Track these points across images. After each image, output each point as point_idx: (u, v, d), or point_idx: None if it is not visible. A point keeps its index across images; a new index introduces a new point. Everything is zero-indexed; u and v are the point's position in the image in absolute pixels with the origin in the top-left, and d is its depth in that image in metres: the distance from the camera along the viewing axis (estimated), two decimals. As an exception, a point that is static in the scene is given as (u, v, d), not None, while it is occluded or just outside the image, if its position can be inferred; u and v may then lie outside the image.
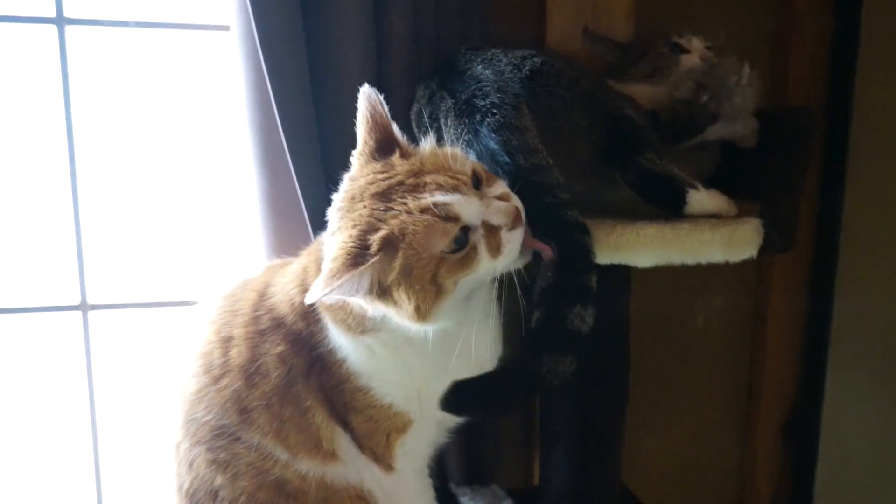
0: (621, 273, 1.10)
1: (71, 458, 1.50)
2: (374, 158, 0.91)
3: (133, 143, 1.43)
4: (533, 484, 1.59)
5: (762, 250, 0.99)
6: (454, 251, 0.84)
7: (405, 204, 0.84)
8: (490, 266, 0.86)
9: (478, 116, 0.97)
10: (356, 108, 0.94)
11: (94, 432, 1.45)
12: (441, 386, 0.87)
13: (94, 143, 1.39)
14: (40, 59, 1.34)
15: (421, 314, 0.85)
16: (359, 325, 0.94)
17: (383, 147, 0.92)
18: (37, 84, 1.36)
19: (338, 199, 0.92)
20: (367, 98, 0.92)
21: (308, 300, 0.83)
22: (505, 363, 0.95)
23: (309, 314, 0.97)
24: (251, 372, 0.97)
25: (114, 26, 1.36)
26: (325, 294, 0.81)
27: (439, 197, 0.83)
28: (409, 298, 0.84)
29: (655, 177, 1.00)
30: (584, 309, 0.87)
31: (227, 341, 1.00)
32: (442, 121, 1.05)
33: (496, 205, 0.85)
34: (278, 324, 0.99)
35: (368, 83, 1.18)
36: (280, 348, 0.97)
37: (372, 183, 0.88)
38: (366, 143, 0.93)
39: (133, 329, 1.48)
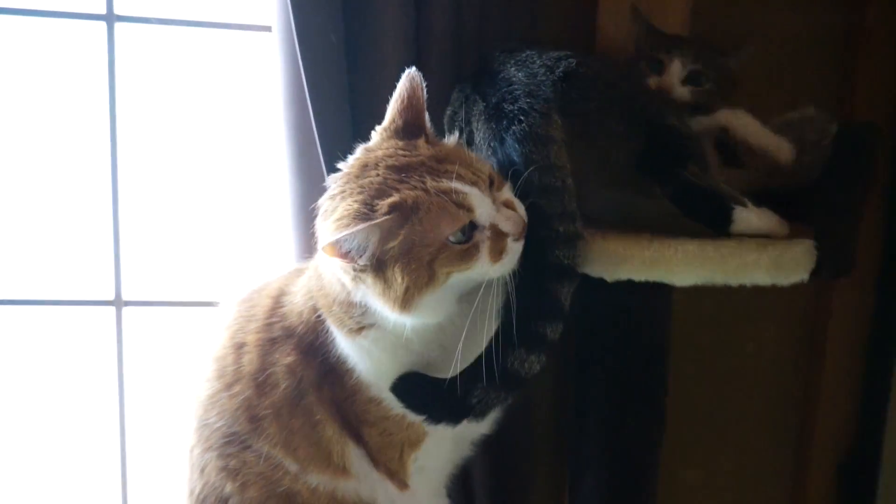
0: (661, 292, 1.03)
1: (98, 453, 1.50)
2: (398, 137, 0.90)
3: (174, 141, 1.44)
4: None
5: (814, 274, 0.91)
6: (458, 242, 0.83)
7: (423, 181, 0.83)
8: (485, 269, 0.85)
9: (504, 122, 0.93)
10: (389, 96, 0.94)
11: (122, 429, 1.45)
12: None
13: (136, 139, 1.40)
14: (86, 55, 1.36)
15: (406, 300, 0.83)
16: (351, 320, 0.91)
17: (410, 130, 0.90)
18: (82, 80, 1.38)
19: (346, 165, 0.90)
20: (409, 79, 0.92)
21: (321, 243, 0.82)
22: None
23: (318, 324, 0.94)
24: (261, 381, 0.95)
25: (161, 24, 1.37)
26: (336, 238, 0.79)
27: (458, 185, 0.83)
28: (401, 278, 0.82)
29: (699, 191, 0.94)
30: (528, 354, 0.87)
31: (239, 347, 0.99)
32: (474, 124, 1.01)
33: (506, 212, 0.85)
34: (289, 333, 0.96)
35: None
36: (290, 359, 0.95)
37: (391, 156, 0.87)
38: (394, 120, 0.92)
39: (168, 327, 1.48)
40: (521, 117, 0.92)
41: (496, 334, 0.85)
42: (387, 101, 1.09)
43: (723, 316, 1.54)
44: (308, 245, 1.29)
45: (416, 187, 0.83)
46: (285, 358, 0.95)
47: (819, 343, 1.59)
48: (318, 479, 0.97)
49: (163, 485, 1.48)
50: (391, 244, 0.81)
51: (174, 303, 1.47)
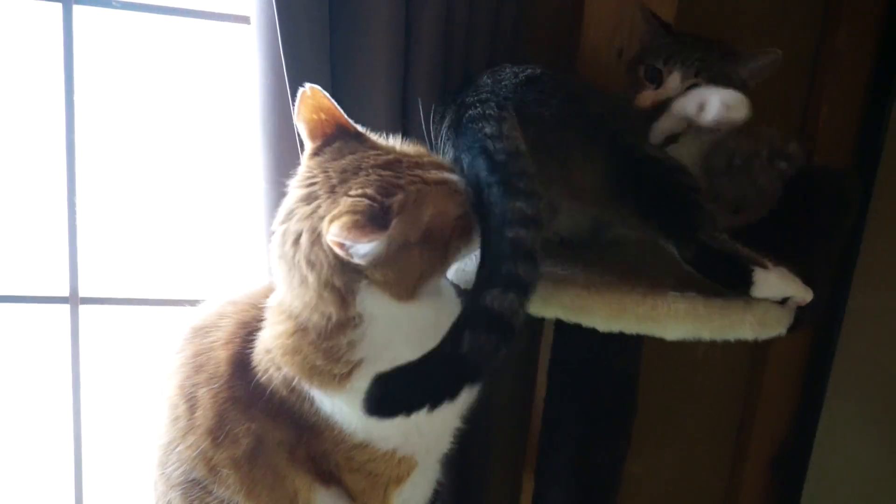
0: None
1: (52, 453, 1.46)
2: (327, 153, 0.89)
3: (138, 134, 1.37)
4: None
5: (790, 329, 0.95)
6: (462, 217, 0.88)
7: (417, 175, 0.85)
8: (477, 236, 0.89)
9: (463, 111, 0.97)
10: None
11: (78, 431, 1.41)
12: (437, 411, 0.82)
13: (97, 131, 1.32)
14: (44, 41, 1.26)
15: (417, 284, 0.86)
16: (339, 364, 0.87)
17: (335, 137, 0.91)
18: (40, 67, 1.28)
19: (314, 176, 0.87)
20: (305, 100, 0.90)
21: (334, 238, 0.77)
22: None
23: (291, 391, 0.90)
24: (219, 436, 0.92)
25: (124, 9, 1.27)
26: (347, 246, 0.78)
27: (448, 175, 0.88)
28: (419, 263, 0.85)
29: (718, 255, 0.90)
30: (504, 293, 0.81)
31: (191, 399, 0.94)
32: (444, 131, 1.02)
33: None
34: (254, 397, 0.91)
35: (395, 98, 1.15)
36: (254, 424, 0.91)
37: (365, 158, 0.86)
38: (315, 142, 0.91)
39: (128, 327, 1.43)
40: (478, 104, 0.96)
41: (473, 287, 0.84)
42: (374, 96, 1.11)
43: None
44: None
45: (414, 181, 0.84)
46: (249, 422, 0.91)
47: (763, 348, 1.68)
48: None
49: (118, 485, 1.46)
50: (410, 236, 0.83)
51: (133, 301, 1.42)
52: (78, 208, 1.31)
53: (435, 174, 0.87)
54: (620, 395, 1.17)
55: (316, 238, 0.82)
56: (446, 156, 1.00)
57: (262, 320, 0.95)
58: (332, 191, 0.84)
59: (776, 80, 1.54)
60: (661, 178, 0.96)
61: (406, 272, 0.85)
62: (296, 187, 0.88)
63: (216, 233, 1.43)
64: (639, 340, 1.16)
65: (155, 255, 1.43)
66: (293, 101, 1.10)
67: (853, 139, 1.54)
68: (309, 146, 0.92)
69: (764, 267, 0.90)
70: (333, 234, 0.76)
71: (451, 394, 0.77)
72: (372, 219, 0.78)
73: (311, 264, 0.83)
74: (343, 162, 0.86)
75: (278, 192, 1.22)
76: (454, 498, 1.45)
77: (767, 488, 1.76)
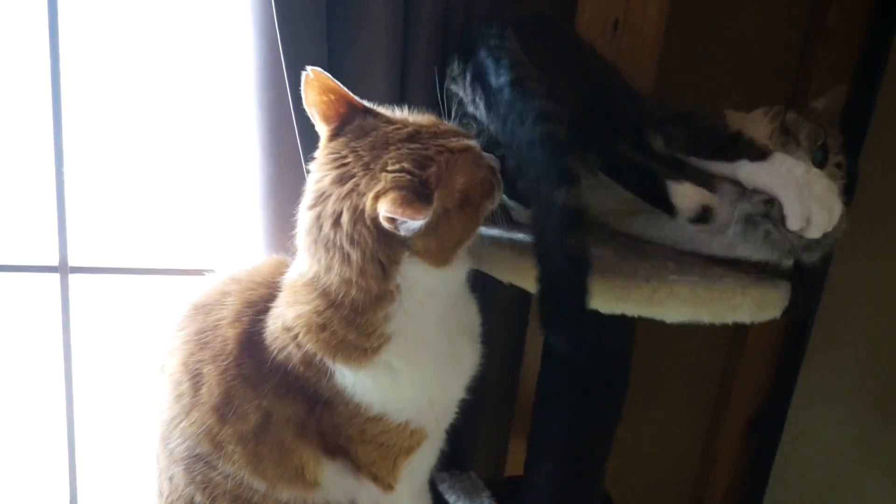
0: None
1: (44, 426, 1.45)
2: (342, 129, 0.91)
3: (130, 104, 1.33)
4: (504, 474, 1.63)
5: (784, 312, 0.98)
6: (485, 178, 0.92)
7: (441, 145, 0.87)
8: (499, 197, 0.95)
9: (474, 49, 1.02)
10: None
11: (70, 400, 1.40)
12: (449, 383, 0.98)
13: (87, 101, 1.29)
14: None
15: (454, 249, 0.90)
16: (371, 338, 0.90)
17: (350, 117, 0.92)
18: (25, 37, 1.23)
19: (343, 157, 0.88)
20: (309, 82, 0.91)
21: (386, 214, 0.79)
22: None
23: (309, 366, 0.91)
24: (225, 412, 0.93)
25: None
26: (398, 221, 0.80)
27: (469, 141, 0.91)
28: (457, 227, 0.88)
29: (632, 167, 0.97)
30: (570, 189, 0.84)
31: (195, 376, 0.95)
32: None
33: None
34: (266, 374, 0.93)
35: (392, 78, 1.14)
36: (264, 401, 0.92)
37: (389, 133, 0.88)
38: (330, 124, 0.92)
39: (121, 296, 1.42)
40: (486, 33, 1.02)
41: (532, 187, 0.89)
42: (375, 82, 1.12)
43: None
44: (277, 220, 1.25)
45: (441, 151, 0.87)
46: (258, 399, 0.92)
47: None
48: (288, 495, 0.98)
49: (111, 458, 1.46)
50: (448, 204, 0.86)
51: (124, 270, 1.40)
52: (67, 177, 1.28)
53: (456, 142, 0.89)
54: (614, 372, 1.20)
55: (359, 216, 0.83)
56: (477, 106, 1.02)
57: (271, 299, 0.96)
58: (366, 168, 0.85)
59: (766, 56, 1.56)
60: (609, 100, 1.03)
61: (446, 239, 0.88)
62: (324, 170, 0.89)
63: (208, 202, 1.41)
64: (633, 326, 1.19)
65: (148, 224, 1.41)
66: (289, 79, 1.10)
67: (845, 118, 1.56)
68: (325, 129, 0.92)
69: (676, 181, 0.93)
70: (386, 210, 0.78)
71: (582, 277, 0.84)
72: (416, 193, 0.80)
73: (354, 242, 0.84)
74: (369, 139, 0.88)
75: (273, 162, 1.23)
76: (441, 461, 1.48)
77: (743, 451, 1.83)
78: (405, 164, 0.83)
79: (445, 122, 0.95)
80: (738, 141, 0.97)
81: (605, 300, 0.92)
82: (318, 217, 0.87)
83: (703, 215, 0.94)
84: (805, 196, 0.89)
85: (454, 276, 0.95)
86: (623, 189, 1.00)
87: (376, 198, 0.80)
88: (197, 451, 0.96)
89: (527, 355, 1.56)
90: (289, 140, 1.17)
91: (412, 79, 1.19)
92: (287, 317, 0.92)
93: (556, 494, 1.26)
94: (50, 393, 1.40)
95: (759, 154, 0.94)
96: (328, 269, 0.87)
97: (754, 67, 1.55)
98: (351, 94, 0.92)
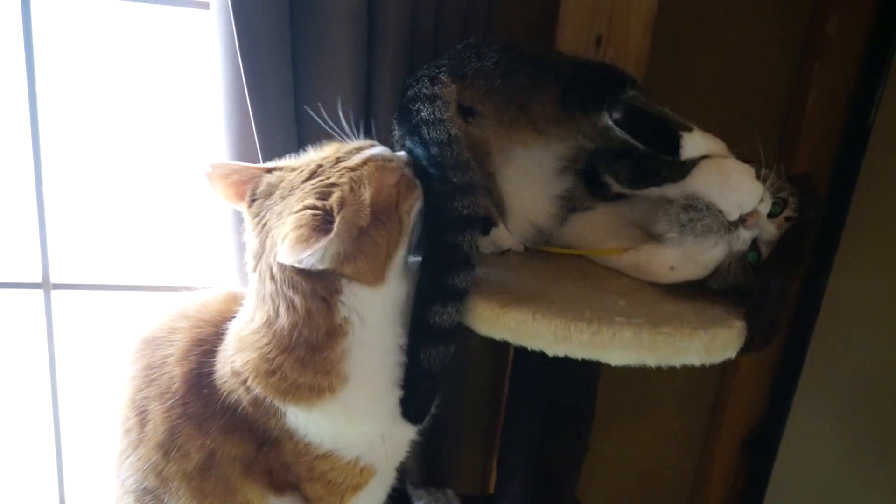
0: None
1: (31, 440, 1.49)
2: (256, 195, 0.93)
3: (106, 121, 1.35)
4: (488, 492, 1.62)
5: (741, 352, 0.95)
6: (400, 181, 0.91)
7: (343, 168, 0.88)
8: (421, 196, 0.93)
9: (406, 90, 1.02)
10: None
11: (56, 415, 1.45)
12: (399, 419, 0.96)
13: (63, 118, 1.31)
14: (4, 30, 1.23)
15: (385, 264, 0.89)
16: (335, 376, 0.90)
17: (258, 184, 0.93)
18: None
19: (262, 217, 0.90)
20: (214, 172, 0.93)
21: (286, 260, 0.81)
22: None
23: (263, 404, 0.92)
24: (170, 450, 0.94)
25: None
26: (301, 260, 0.80)
27: (369, 151, 0.91)
28: (380, 240, 0.87)
29: (646, 115, 0.95)
30: (444, 307, 0.91)
31: (141, 413, 0.96)
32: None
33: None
34: (211, 413, 0.93)
35: (359, 93, 1.16)
36: (208, 440, 0.92)
37: (292, 180, 0.90)
38: (248, 195, 0.93)
39: (103, 312, 1.45)
40: (413, 83, 1.01)
41: (416, 294, 0.93)
42: (337, 93, 1.11)
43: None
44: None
45: (342, 174, 0.87)
46: (202, 438, 0.93)
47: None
48: None
49: (99, 471, 1.50)
50: (361, 222, 0.85)
51: (104, 286, 1.43)
52: (47, 196, 1.31)
53: (358, 157, 0.90)
54: (578, 398, 1.18)
55: (283, 265, 0.86)
56: (394, 138, 1.04)
57: (219, 338, 0.97)
58: (279, 218, 0.87)
59: (761, 68, 1.50)
60: (590, 72, 1.04)
61: (374, 255, 0.88)
62: (252, 235, 0.92)
63: (184, 219, 1.43)
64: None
65: (126, 241, 1.43)
66: (249, 94, 1.10)
67: (839, 130, 1.50)
68: (243, 205, 0.94)
69: (689, 130, 0.95)
70: (282, 256, 0.81)
71: (427, 404, 0.97)
72: (315, 227, 0.82)
73: (291, 287, 0.86)
74: (278, 193, 0.90)
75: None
76: (425, 482, 1.49)
77: (737, 469, 1.79)
78: (307, 202, 0.85)
79: (349, 142, 0.96)
80: (663, 164, 0.98)
81: (547, 342, 0.91)
82: (260, 275, 0.90)
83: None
84: (728, 189, 0.94)
85: (397, 293, 0.93)
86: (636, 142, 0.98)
87: (281, 244, 0.82)
88: (145, 484, 0.97)
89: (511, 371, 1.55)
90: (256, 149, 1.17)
91: (377, 100, 1.18)
92: (236, 362, 0.92)
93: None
94: (36, 403, 1.45)
95: (682, 173, 0.96)
96: (277, 315, 0.89)
97: (748, 81, 1.50)
98: (250, 164, 0.94)
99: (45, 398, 1.43)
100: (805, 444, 1.72)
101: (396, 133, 1.03)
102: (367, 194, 0.87)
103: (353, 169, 0.88)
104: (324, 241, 0.80)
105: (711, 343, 0.91)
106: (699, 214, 0.96)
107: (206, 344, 0.97)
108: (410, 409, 0.96)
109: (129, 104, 1.35)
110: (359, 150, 0.92)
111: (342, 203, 0.84)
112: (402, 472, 1.46)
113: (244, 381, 0.91)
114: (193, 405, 0.94)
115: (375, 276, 0.89)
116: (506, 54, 1.02)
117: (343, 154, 0.92)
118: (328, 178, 0.87)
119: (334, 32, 1.13)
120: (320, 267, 0.83)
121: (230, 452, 0.94)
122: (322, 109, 1.05)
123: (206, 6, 1.19)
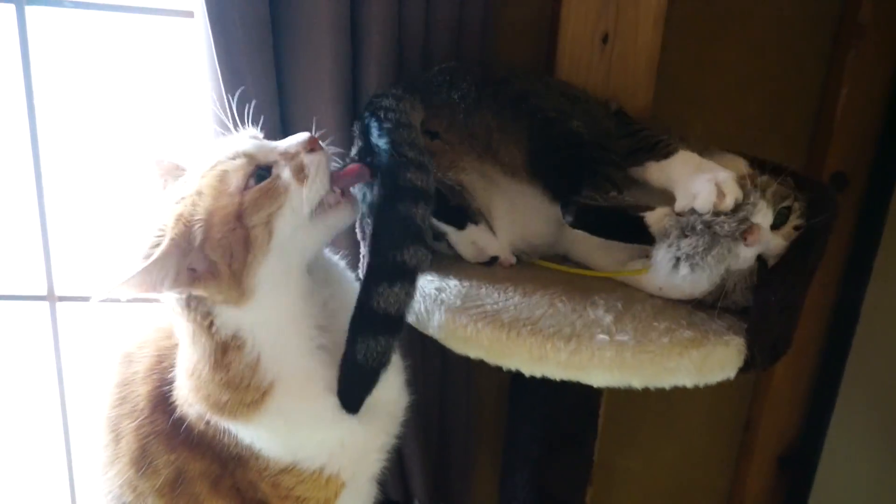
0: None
1: (42, 450, 1.51)
2: None
3: (104, 132, 1.36)
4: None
5: (741, 371, 0.87)
6: (257, 182, 0.82)
7: (196, 176, 0.83)
8: (301, 194, 0.83)
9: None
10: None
11: (66, 426, 1.46)
12: (359, 422, 0.88)
13: (61, 130, 1.31)
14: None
15: (240, 279, 0.80)
16: (255, 391, 0.85)
17: None
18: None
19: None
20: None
21: (100, 297, 0.75)
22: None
23: (209, 421, 0.89)
24: (142, 466, 0.92)
25: (76, 8, 1.25)
26: (121, 286, 0.75)
27: (219, 155, 0.84)
28: (221, 259, 0.79)
29: (601, 212, 0.91)
30: (391, 287, 0.83)
31: (115, 430, 0.95)
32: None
33: (289, 138, 0.86)
34: (175, 429, 0.91)
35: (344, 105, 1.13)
36: (173, 456, 0.91)
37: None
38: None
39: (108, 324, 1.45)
40: (374, 99, 0.99)
41: (361, 283, 0.85)
42: (321, 103, 1.09)
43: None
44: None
45: (188, 187, 0.82)
46: (169, 454, 0.91)
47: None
48: None
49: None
50: (198, 239, 0.79)
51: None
52: (50, 210, 1.33)
53: (212, 160, 0.83)
54: (578, 419, 1.12)
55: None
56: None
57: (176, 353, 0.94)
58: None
59: (788, 61, 1.40)
60: (567, 147, 0.97)
61: (220, 274, 0.80)
62: None
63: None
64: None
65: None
66: (228, 104, 1.07)
67: (875, 126, 1.39)
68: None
69: (650, 209, 0.90)
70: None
71: (359, 397, 0.86)
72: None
73: (177, 311, 0.84)
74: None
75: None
76: (434, 501, 1.44)
77: (774, 488, 1.68)
78: (157, 220, 0.81)
79: (231, 136, 0.90)
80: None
81: (523, 362, 0.85)
82: None
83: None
84: (700, 179, 0.89)
85: (285, 302, 0.86)
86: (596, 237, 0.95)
87: None
88: (123, 499, 0.97)
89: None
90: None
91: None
92: (180, 377, 0.90)
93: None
94: (44, 413, 1.46)
95: (664, 153, 0.95)
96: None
97: (773, 75, 1.40)
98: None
99: (55, 409, 1.45)
100: (846, 461, 1.60)
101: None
102: (202, 208, 0.80)
103: (202, 177, 0.82)
104: (139, 271, 0.75)
105: (704, 362, 0.85)
106: (697, 237, 0.87)
107: (168, 359, 0.95)
108: (343, 397, 0.87)
109: (124, 114, 1.35)
110: (205, 165, 0.84)
111: (178, 220, 0.79)
112: (409, 491, 1.43)
113: (186, 397, 0.89)
114: (160, 422, 0.92)
115: (230, 295, 0.81)
116: (480, 87, 0.99)
117: (209, 155, 0.85)
118: (182, 189, 0.83)
119: (316, 39, 1.10)
120: (172, 296, 0.80)
121: (196, 469, 0.92)
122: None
123: (191, 15, 1.17)
